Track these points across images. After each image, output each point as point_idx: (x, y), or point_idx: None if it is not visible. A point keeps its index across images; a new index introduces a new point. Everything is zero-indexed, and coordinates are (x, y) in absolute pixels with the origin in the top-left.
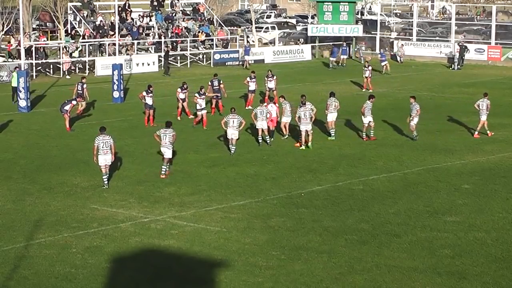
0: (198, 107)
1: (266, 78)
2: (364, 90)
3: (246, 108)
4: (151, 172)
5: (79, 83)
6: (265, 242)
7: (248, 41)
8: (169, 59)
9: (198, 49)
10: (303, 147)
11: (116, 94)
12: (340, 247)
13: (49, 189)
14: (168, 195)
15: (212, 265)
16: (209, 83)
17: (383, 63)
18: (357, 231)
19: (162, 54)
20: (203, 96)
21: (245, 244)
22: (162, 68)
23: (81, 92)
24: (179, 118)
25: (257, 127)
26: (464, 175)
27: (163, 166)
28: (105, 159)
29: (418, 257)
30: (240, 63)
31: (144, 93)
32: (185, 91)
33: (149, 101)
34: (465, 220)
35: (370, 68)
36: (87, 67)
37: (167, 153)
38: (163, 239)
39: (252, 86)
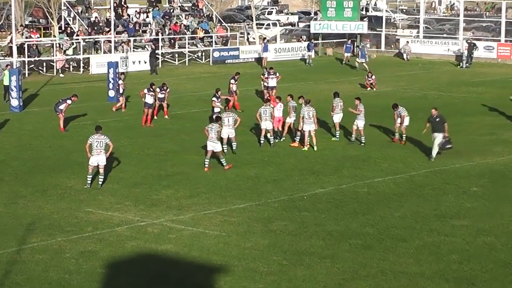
0: (216, 110)
1: (262, 76)
2: (368, 89)
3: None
4: (148, 174)
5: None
6: (266, 246)
7: (265, 37)
8: (156, 57)
9: (197, 46)
10: (306, 148)
11: (111, 93)
12: (344, 252)
13: (42, 191)
14: (165, 198)
15: (211, 270)
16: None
17: (360, 60)
18: (361, 235)
19: (148, 52)
20: (220, 100)
21: (245, 248)
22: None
23: (117, 88)
24: (155, 117)
25: (261, 127)
26: (472, 177)
27: (206, 160)
28: (97, 160)
29: (425, 263)
30: (252, 59)
31: (145, 91)
32: (164, 91)
33: (149, 100)
34: (474, 224)
35: (373, 77)
36: (82, 65)
37: (216, 147)
38: (160, 243)
39: (271, 82)
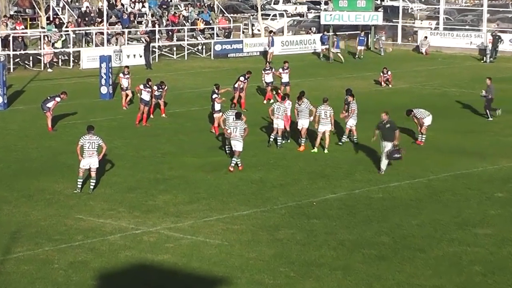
0: (216, 108)
1: (263, 72)
2: (383, 85)
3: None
4: (143, 177)
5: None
6: (272, 257)
7: (271, 30)
8: (151, 51)
9: (197, 39)
10: (315, 149)
11: (104, 90)
12: (357, 263)
13: (28, 196)
14: (162, 203)
15: (212, 282)
16: (273, 70)
17: (335, 50)
18: (376, 245)
19: (143, 45)
20: (220, 95)
21: (249, 259)
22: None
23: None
24: (152, 116)
25: (273, 126)
26: (497, 181)
27: (233, 159)
28: (88, 162)
29: (445, 275)
30: (257, 53)
31: (141, 87)
32: (162, 89)
33: (145, 96)
34: (499, 233)
35: (389, 73)
36: (72, 59)
37: (238, 145)
38: (156, 253)
39: (285, 78)
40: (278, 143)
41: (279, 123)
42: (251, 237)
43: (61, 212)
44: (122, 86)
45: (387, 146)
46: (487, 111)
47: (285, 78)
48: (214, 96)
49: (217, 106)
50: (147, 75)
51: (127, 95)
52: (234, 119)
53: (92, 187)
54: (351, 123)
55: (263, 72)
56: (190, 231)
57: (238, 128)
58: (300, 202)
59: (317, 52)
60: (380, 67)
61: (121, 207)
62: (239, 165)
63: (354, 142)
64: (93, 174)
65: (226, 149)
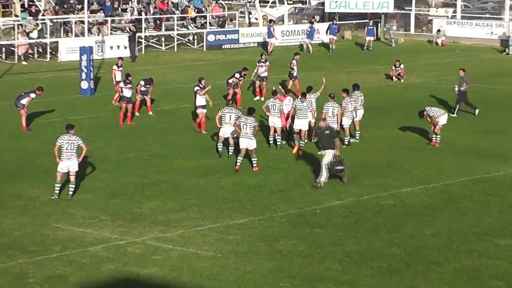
0: (198, 103)
1: (257, 64)
2: (395, 80)
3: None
4: (128, 182)
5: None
6: (270, 270)
7: (271, 19)
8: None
9: (188, 28)
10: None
11: (84, 85)
12: (365, 277)
13: (0, 203)
14: (149, 211)
15: None
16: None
17: (308, 40)
18: (386, 257)
19: (127, 36)
20: (205, 90)
21: (245, 273)
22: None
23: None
24: (137, 114)
25: (269, 125)
26: None
27: (239, 157)
28: (67, 165)
29: None
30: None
31: (121, 84)
32: (148, 85)
33: (127, 93)
34: None
35: (402, 66)
36: (49, 50)
37: (251, 143)
38: (143, 266)
39: (263, 71)
40: (278, 144)
41: (276, 122)
42: (248, 249)
43: (36, 220)
44: (116, 80)
45: (327, 155)
46: (458, 105)
47: (262, 71)
48: (196, 88)
49: (200, 101)
50: (132, 68)
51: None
52: (245, 114)
53: (71, 192)
54: (346, 122)
55: (257, 64)
56: (180, 241)
57: (249, 125)
58: (302, 210)
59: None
60: (390, 60)
61: (104, 215)
62: (255, 165)
63: (344, 143)
64: (72, 178)
65: (218, 149)
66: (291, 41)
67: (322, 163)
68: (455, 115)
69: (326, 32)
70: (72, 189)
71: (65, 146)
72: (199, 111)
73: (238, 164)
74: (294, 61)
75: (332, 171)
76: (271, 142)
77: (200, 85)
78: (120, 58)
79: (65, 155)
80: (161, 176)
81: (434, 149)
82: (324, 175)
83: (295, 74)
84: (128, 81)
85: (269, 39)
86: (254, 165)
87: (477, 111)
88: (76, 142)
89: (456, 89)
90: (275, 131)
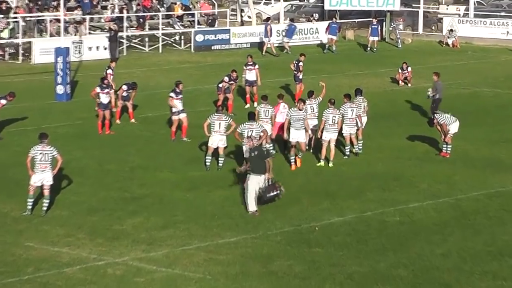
0: (174, 109)
1: (244, 68)
2: (401, 84)
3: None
4: (108, 196)
5: (105, 68)
6: None
7: (269, 17)
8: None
9: (174, 27)
10: (322, 163)
11: (60, 90)
12: None
13: None
14: (131, 228)
15: None
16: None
17: (286, 39)
18: (392, 279)
19: (108, 35)
20: (181, 96)
21: None
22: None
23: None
24: (118, 121)
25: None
26: None
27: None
28: (41, 178)
29: None
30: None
31: (98, 89)
32: (107, 89)
33: (104, 99)
34: None
35: (409, 69)
36: (21, 52)
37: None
38: None
39: (250, 75)
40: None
41: (267, 129)
42: (240, 270)
43: (7, 238)
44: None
45: (253, 180)
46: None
47: (250, 76)
48: (171, 94)
49: (178, 105)
50: (116, 70)
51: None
52: (248, 121)
53: (45, 208)
54: (345, 130)
55: (244, 68)
56: (165, 262)
57: (254, 131)
58: (300, 227)
59: (322, 44)
60: (397, 62)
61: (81, 233)
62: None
63: (354, 153)
64: (46, 192)
65: (206, 162)
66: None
67: (247, 190)
68: None
69: (326, 32)
70: (46, 205)
71: (38, 157)
72: (173, 117)
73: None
74: (297, 62)
75: (264, 198)
76: None
77: (177, 90)
78: (113, 60)
79: (39, 167)
80: (144, 190)
81: (444, 160)
82: (251, 203)
83: (300, 77)
84: (104, 85)
85: (265, 39)
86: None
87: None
88: (51, 153)
89: (430, 93)
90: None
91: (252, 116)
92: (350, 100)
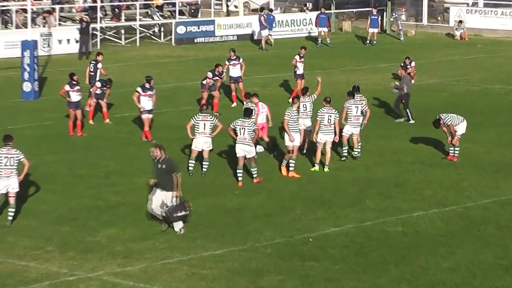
0: (144, 107)
1: (227, 63)
2: None
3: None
4: (80, 205)
5: (92, 63)
6: None
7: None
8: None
9: (153, 18)
10: (316, 167)
11: (27, 87)
12: None
13: None
14: (106, 240)
15: None
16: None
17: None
18: None
19: (79, 27)
20: (151, 93)
21: None
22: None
23: (93, 74)
24: (91, 122)
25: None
26: None
27: (238, 170)
28: (6, 185)
29: None
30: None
31: (67, 87)
32: (78, 86)
33: (75, 97)
34: None
35: (413, 64)
36: None
37: (250, 151)
38: None
39: (235, 71)
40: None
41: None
42: (226, 286)
43: None
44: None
45: (156, 196)
46: (407, 110)
47: (234, 71)
48: (138, 89)
49: (145, 103)
50: (82, 68)
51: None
52: (242, 117)
53: (10, 218)
54: (348, 130)
55: (227, 63)
56: (144, 277)
57: (247, 128)
58: (292, 238)
59: (315, 37)
60: (399, 57)
61: (50, 245)
62: (255, 176)
63: (354, 157)
64: (12, 200)
65: (189, 166)
66: (279, 34)
67: (151, 205)
68: (412, 121)
69: (315, 25)
70: (12, 214)
71: (3, 161)
72: (143, 116)
73: (239, 178)
74: (297, 56)
75: (172, 218)
76: None
77: (146, 86)
78: (100, 53)
79: (3, 172)
80: (120, 197)
81: (451, 165)
82: (164, 224)
83: (298, 72)
84: (74, 82)
85: (262, 31)
86: (254, 176)
87: (402, 119)
88: (16, 157)
89: (395, 91)
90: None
91: (248, 113)
92: (353, 97)
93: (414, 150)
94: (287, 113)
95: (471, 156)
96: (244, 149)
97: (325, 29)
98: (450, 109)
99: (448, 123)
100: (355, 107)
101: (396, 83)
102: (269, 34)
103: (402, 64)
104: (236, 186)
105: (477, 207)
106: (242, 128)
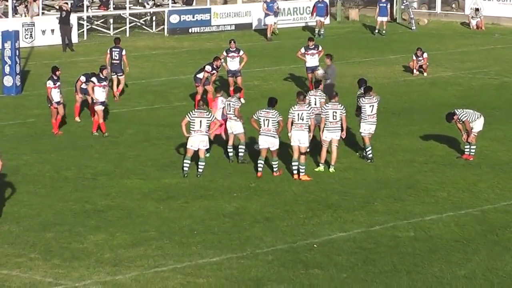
0: (99, 99)
1: (226, 54)
2: (416, 74)
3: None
4: (66, 209)
5: (114, 50)
6: None
7: None
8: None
9: (144, 6)
10: (321, 167)
11: (8, 81)
12: None
13: None
14: (93, 247)
15: None
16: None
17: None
18: None
19: (58, 17)
20: (106, 84)
21: None
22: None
23: (118, 62)
24: (77, 119)
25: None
26: None
27: (260, 160)
28: None
29: None
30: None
31: (50, 83)
32: (59, 82)
33: (56, 95)
34: None
35: (425, 55)
36: None
37: (274, 143)
38: None
39: (311, 61)
40: (240, 156)
41: (234, 127)
42: None
43: None
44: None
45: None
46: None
47: (232, 64)
48: (93, 79)
49: (99, 95)
50: (69, 60)
51: (118, 81)
52: (266, 107)
53: None
54: (365, 129)
55: (224, 54)
56: (135, 286)
57: (271, 120)
58: (295, 244)
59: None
60: (410, 47)
61: (34, 252)
62: (276, 169)
63: (367, 158)
64: None
65: (184, 166)
66: (280, 23)
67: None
68: None
69: (312, 14)
70: None
71: None
72: (97, 108)
73: (259, 169)
74: (302, 49)
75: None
76: (231, 154)
77: (101, 76)
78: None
79: None
80: (109, 201)
81: (467, 164)
82: None
83: (307, 65)
84: (56, 77)
85: (266, 18)
86: (275, 169)
87: None
88: None
89: (320, 72)
90: (235, 138)
91: (272, 103)
92: (369, 94)
93: (427, 149)
94: (290, 111)
95: (488, 155)
96: (268, 141)
97: (322, 19)
98: (466, 104)
99: (464, 120)
100: (370, 106)
101: (323, 70)
102: (274, 23)
103: (415, 55)
104: (235, 188)
105: (495, 210)
106: (266, 119)
